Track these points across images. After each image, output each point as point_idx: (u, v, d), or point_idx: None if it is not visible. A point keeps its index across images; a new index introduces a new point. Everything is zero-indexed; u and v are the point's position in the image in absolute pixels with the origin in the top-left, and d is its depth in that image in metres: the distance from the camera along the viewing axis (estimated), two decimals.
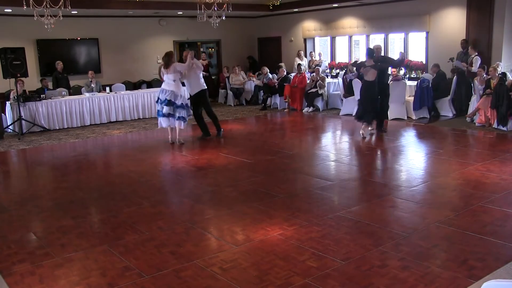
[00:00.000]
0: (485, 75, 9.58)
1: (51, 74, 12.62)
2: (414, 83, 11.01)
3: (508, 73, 9.66)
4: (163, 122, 8.77)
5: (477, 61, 10.23)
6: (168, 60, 8.61)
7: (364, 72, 8.87)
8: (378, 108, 8.97)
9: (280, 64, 14.18)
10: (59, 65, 12.19)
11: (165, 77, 8.65)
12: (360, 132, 8.92)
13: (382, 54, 10.03)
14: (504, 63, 10.23)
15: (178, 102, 8.55)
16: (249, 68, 16.33)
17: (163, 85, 8.65)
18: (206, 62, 14.77)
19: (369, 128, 9.03)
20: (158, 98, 8.71)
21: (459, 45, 10.89)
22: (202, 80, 9.16)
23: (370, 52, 8.90)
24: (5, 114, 10.66)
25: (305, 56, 14.98)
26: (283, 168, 6.95)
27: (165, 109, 8.54)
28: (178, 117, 8.61)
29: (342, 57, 14.73)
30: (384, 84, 9.22)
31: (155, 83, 14.35)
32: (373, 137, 8.91)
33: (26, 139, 9.87)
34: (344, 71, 13.09)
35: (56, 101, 10.89)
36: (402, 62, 9.90)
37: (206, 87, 9.17)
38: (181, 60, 13.26)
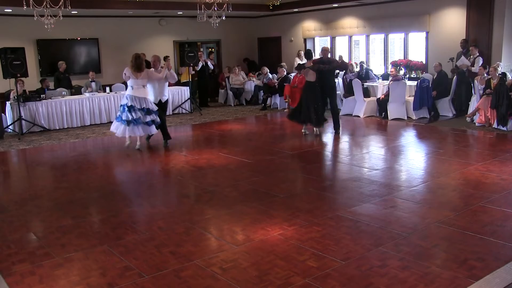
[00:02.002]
0: (486, 75, 9.59)
1: (52, 74, 12.63)
2: (414, 83, 11.01)
3: (508, 73, 9.66)
4: (134, 129, 8.04)
5: (479, 61, 10.23)
6: (141, 63, 7.97)
7: (304, 73, 9.27)
8: (319, 108, 9.12)
9: (281, 64, 14.17)
10: (63, 65, 12.21)
11: (132, 82, 7.98)
12: (302, 130, 9.41)
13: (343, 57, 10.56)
14: (504, 63, 10.23)
15: (154, 107, 8.16)
16: (248, 70, 16.35)
17: (132, 92, 7.97)
18: (214, 63, 14.90)
19: (303, 128, 9.44)
20: (131, 106, 7.95)
21: (459, 45, 10.89)
22: (167, 89, 8.91)
23: (308, 54, 9.40)
24: (5, 114, 10.66)
25: None
26: (283, 168, 6.95)
27: (148, 118, 8.06)
28: (156, 122, 8.24)
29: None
30: (328, 85, 9.31)
31: None
32: (322, 137, 9.20)
33: (26, 139, 9.87)
34: (344, 71, 13.07)
35: (56, 101, 10.89)
36: (342, 66, 9.83)
37: (167, 97, 8.95)
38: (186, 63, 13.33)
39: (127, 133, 8.07)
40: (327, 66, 9.08)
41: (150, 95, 8.26)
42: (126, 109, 7.97)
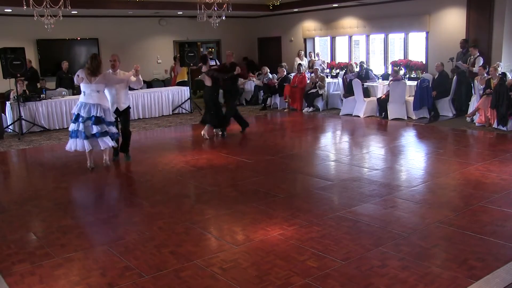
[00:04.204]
0: (485, 75, 9.59)
1: (51, 74, 12.63)
2: (414, 83, 11.01)
3: (508, 73, 9.66)
4: (85, 144, 6.83)
5: (479, 61, 10.23)
6: (97, 66, 6.79)
7: (202, 78, 9.28)
8: (219, 113, 9.21)
9: (282, 64, 14.18)
10: (65, 64, 12.21)
11: (84, 86, 6.83)
12: (202, 132, 9.25)
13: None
14: (504, 63, 10.23)
15: (108, 118, 6.92)
16: (246, 69, 16.36)
17: (84, 98, 6.84)
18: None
19: (214, 130, 9.36)
20: (78, 115, 6.84)
21: (459, 45, 10.89)
22: (128, 95, 7.66)
23: (204, 59, 9.42)
24: (5, 114, 10.66)
25: (305, 56, 15.00)
26: (283, 168, 6.95)
27: (95, 129, 6.78)
28: (111, 134, 6.99)
29: (342, 57, 14.75)
30: (228, 90, 9.50)
31: (155, 83, 14.37)
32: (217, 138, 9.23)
33: (26, 139, 9.87)
34: (344, 71, 13.10)
35: (56, 101, 10.89)
36: (240, 75, 9.47)
37: (128, 105, 7.59)
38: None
39: (72, 147, 6.96)
40: (222, 75, 9.11)
41: (105, 101, 7.00)
42: (73, 118, 6.96)
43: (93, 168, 7.09)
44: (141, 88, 10.79)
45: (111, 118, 7.00)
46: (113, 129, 7.04)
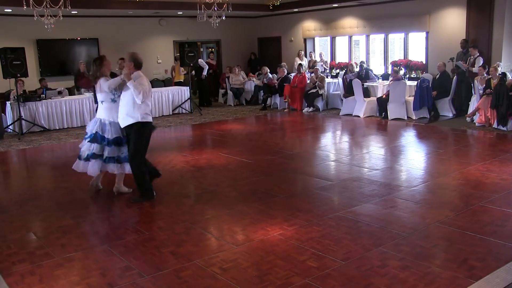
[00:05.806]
0: (485, 75, 9.59)
1: (51, 74, 12.61)
2: (414, 83, 11.01)
3: (508, 73, 9.66)
4: (89, 166, 5.62)
5: (479, 61, 10.23)
6: (96, 70, 5.56)
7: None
8: None
9: (281, 64, 14.17)
10: (81, 65, 12.18)
11: (97, 96, 5.71)
12: None
13: None
14: (504, 63, 10.23)
15: (108, 135, 5.53)
16: (247, 62, 16.43)
17: (101, 113, 5.66)
18: (214, 62, 14.93)
19: None
20: (96, 134, 5.60)
21: (459, 45, 10.89)
22: (139, 108, 5.36)
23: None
24: (5, 114, 10.66)
25: (305, 56, 14.99)
26: (283, 168, 6.95)
27: (88, 149, 5.57)
28: (109, 158, 5.58)
29: (342, 57, 14.75)
30: None
31: (155, 83, 14.35)
32: None
33: (26, 139, 9.87)
34: (344, 71, 13.11)
35: (56, 101, 10.89)
36: None
37: (142, 120, 5.39)
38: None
39: (90, 171, 5.70)
40: None
41: (103, 113, 5.61)
42: (89, 136, 5.68)
43: (100, 189, 6.03)
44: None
45: (115, 136, 5.62)
46: (115, 151, 5.65)
